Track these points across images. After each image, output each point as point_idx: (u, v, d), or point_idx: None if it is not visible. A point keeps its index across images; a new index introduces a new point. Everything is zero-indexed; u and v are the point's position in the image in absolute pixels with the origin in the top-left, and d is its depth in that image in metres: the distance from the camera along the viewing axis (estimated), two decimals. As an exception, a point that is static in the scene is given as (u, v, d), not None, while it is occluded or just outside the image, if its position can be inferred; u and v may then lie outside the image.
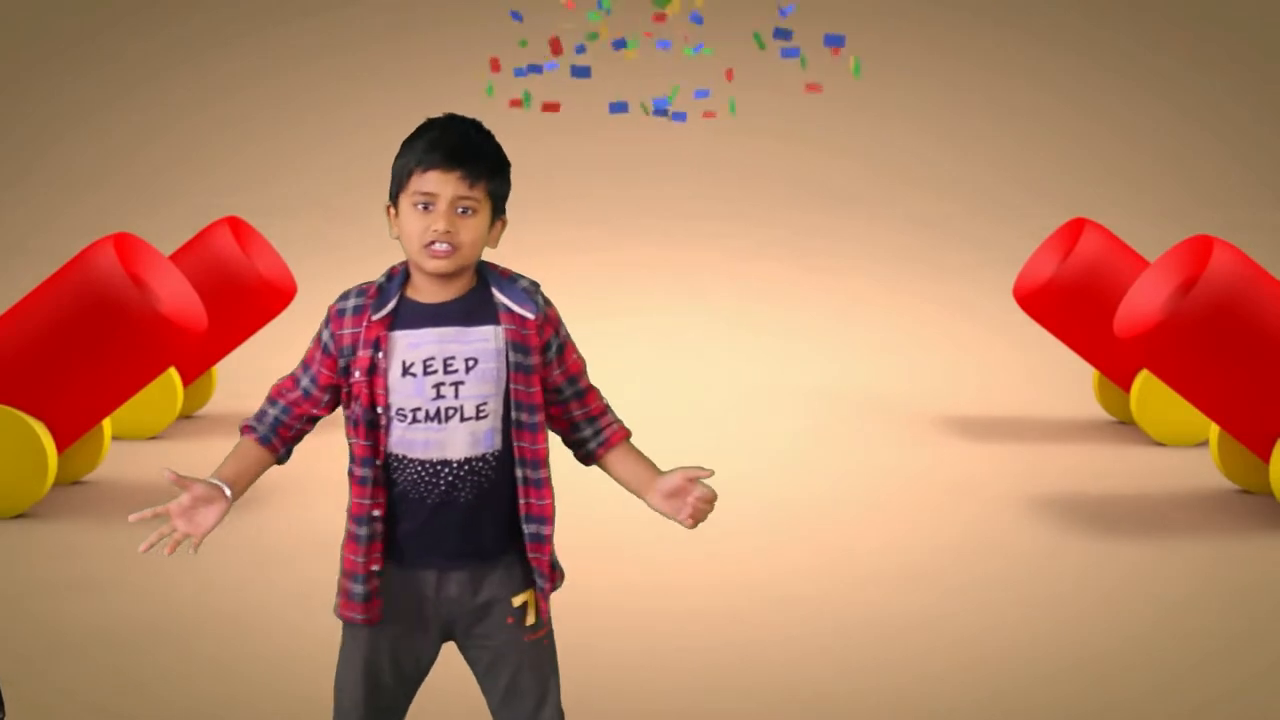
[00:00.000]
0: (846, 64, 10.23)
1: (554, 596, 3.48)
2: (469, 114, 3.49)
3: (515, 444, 3.38)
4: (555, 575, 3.48)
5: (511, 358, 3.36)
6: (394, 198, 3.39)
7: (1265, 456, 7.06)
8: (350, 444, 3.39)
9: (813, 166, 17.58)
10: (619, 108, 10.87)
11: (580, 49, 10.25)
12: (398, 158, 3.38)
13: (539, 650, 3.46)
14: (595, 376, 3.59)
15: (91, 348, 6.92)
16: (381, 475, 3.37)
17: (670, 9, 9.65)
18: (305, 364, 3.44)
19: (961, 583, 6.20)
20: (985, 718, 4.91)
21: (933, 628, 5.67)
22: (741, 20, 12.39)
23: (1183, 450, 8.27)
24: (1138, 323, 6.94)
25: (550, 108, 10.22)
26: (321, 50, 18.80)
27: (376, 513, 3.37)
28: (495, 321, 3.38)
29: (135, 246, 7.25)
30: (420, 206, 3.33)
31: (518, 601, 3.42)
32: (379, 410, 3.34)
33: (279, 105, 18.45)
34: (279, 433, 3.45)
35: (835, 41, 6.87)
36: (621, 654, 5.37)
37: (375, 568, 3.37)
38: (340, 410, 3.46)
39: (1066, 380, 9.78)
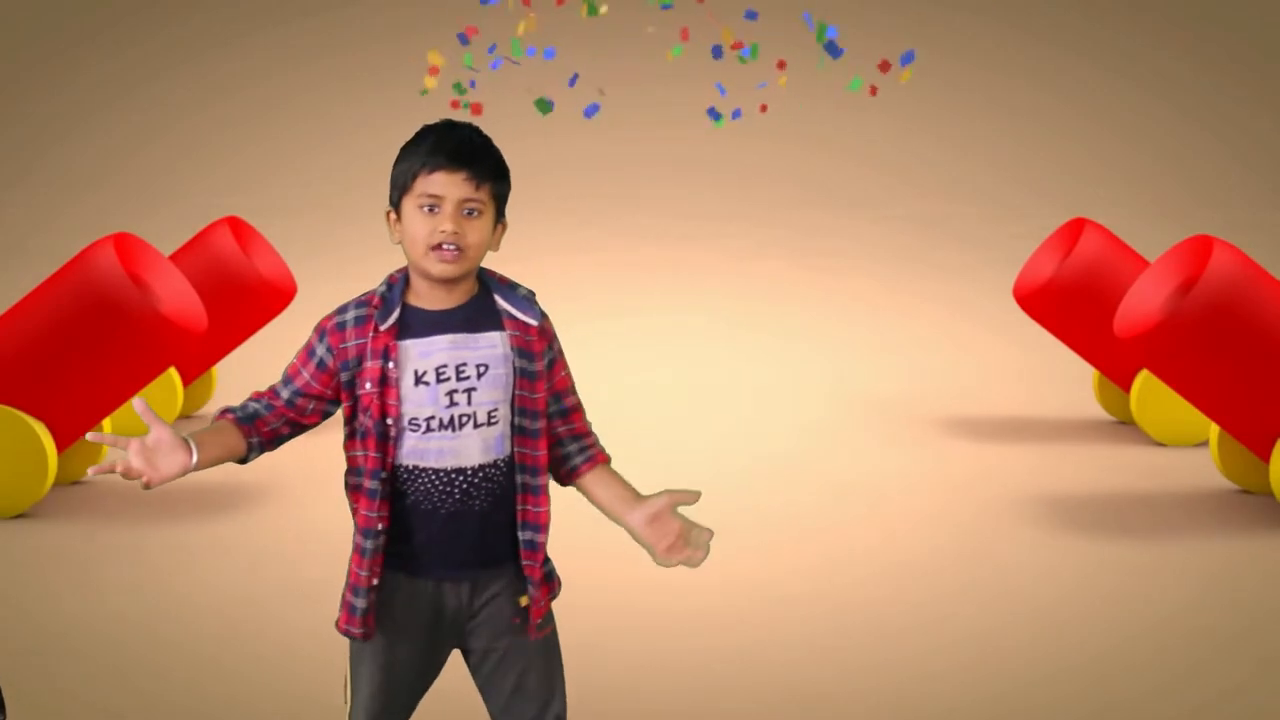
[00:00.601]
0: (893, 76, 10.26)
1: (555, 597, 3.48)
2: (466, 114, 3.49)
3: (517, 450, 3.37)
4: (552, 585, 3.46)
5: (517, 364, 3.36)
6: (396, 203, 3.37)
7: (1265, 456, 7.06)
8: (355, 457, 3.37)
9: (813, 167, 17.59)
10: (592, 110, 10.84)
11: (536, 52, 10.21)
12: (398, 162, 3.36)
13: (545, 649, 3.46)
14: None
15: (91, 348, 6.92)
16: (389, 488, 3.36)
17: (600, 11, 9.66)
18: (288, 378, 3.40)
19: (961, 583, 6.21)
20: (985, 718, 4.91)
21: (933, 628, 5.68)
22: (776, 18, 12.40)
23: (1183, 450, 8.27)
24: (1138, 323, 6.94)
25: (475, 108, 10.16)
26: (321, 50, 18.80)
27: (382, 526, 3.36)
28: (500, 328, 3.37)
29: (135, 246, 7.26)
30: (426, 209, 3.31)
31: (524, 601, 3.42)
32: (389, 421, 3.32)
33: (279, 105, 18.45)
34: (256, 425, 3.41)
35: (907, 59, 6.86)
36: (621, 654, 5.37)
37: (375, 581, 3.36)
38: (334, 418, 3.46)
39: (1066, 380, 9.78)
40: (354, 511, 3.40)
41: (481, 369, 3.34)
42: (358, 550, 3.38)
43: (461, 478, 3.34)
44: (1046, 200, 16.83)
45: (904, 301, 13.08)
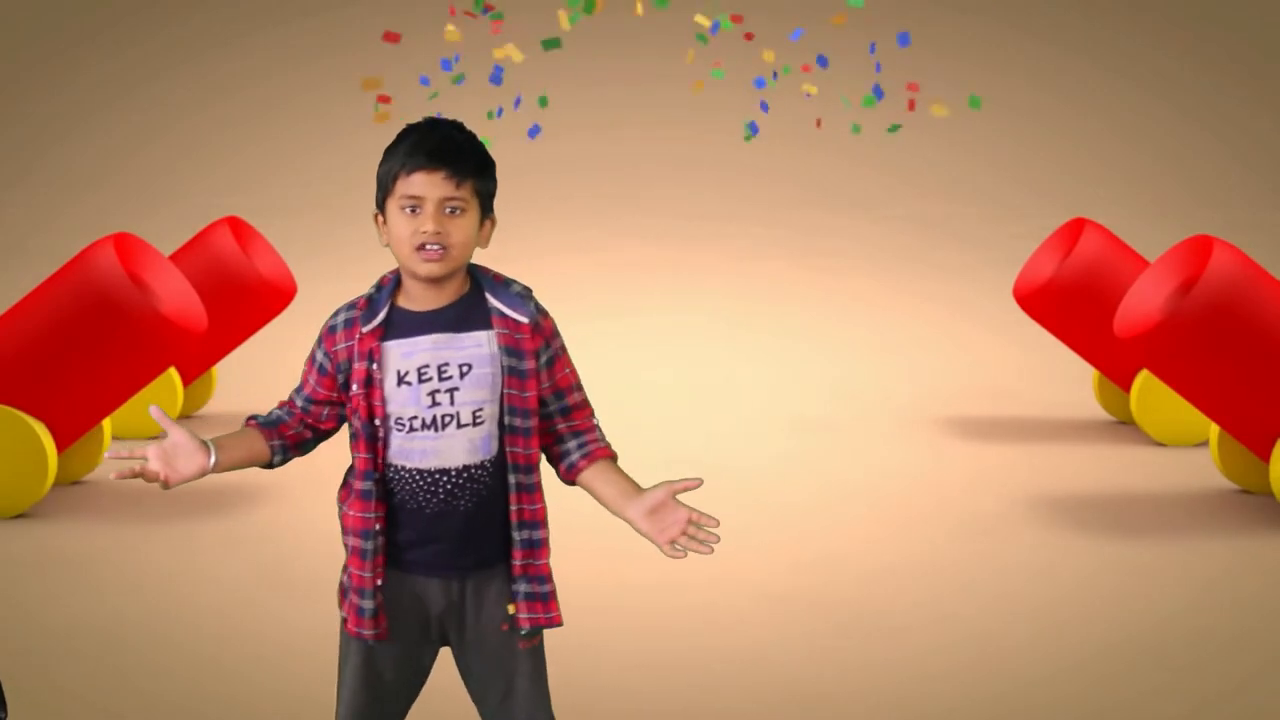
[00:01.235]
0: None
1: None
2: (469, 115, 3.50)
3: (508, 449, 3.35)
4: (551, 607, 3.42)
5: (505, 362, 3.33)
6: (381, 205, 3.37)
7: (1265, 456, 7.06)
8: (354, 459, 3.39)
9: (813, 166, 17.59)
10: (534, 131, 10.77)
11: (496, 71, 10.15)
12: (381, 164, 3.36)
13: (534, 658, 3.45)
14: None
15: (91, 348, 6.92)
16: (381, 489, 3.36)
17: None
18: (299, 386, 3.46)
19: (961, 583, 6.21)
20: (985, 718, 4.91)
21: (933, 628, 5.68)
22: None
23: (1183, 450, 8.27)
24: (1138, 323, 6.94)
25: (390, 37, 10.01)
26: (321, 50, 18.80)
27: (379, 526, 3.36)
28: (488, 326, 3.35)
29: (135, 246, 7.25)
30: (408, 210, 3.31)
31: (513, 609, 3.41)
32: (376, 422, 3.33)
33: (279, 105, 18.45)
34: (279, 429, 3.46)
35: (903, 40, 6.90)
36: (621, 653, 5.37)
37: (380, 582, 3.36)
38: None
39: (1066, 380, 9.78)
40: (344, 514, 3.40)
41: (465, 368, 3.33)
42: (356, 553, 3.37)
43: (446, 478, 3.33)
44: (1046, 200, 16.83)
45: (904, 301, 13.08)
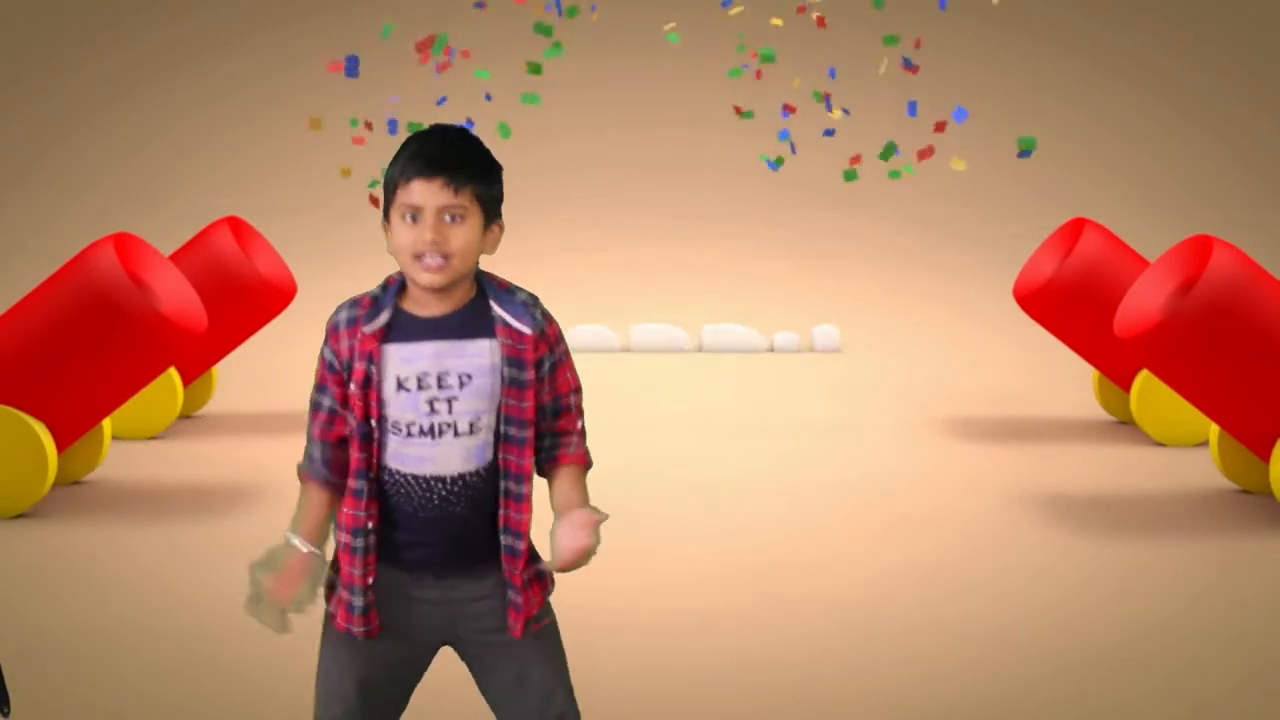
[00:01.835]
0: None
1: (553, 595, 3.48)
2: (472, 115, 3.49)
3: (501, 456, 3.33)
4: (544, 584, 3.43)
5: (506, 373, 3.31)
6: (386, 214, 3.37)
7: (1265, 456, 7.06)
8: (350, 457, 3.38)
9: (813, 166, 17.58)
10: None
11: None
12: (386, 172, 3.37)
13: (544, 644, 3.45)
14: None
15: (91, 348, 6.92)
16: (375, 488, 3.35)
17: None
18: (320, 385, 3.37)
19: (961, 583, 6.21)
20: (985, 718, 4.91)
21: (932, 628, 5.67)
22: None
23: (1183, 450, 8.26)
24: (1138, 323, 6.94)
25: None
26: (321, 50, 18.80)
27: (371, 525, 3.34)
28: (491, 335, 3.32)
29: (135, 246, 7.25)
30: (408, 219, 3.28)
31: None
32: (372, 423, 3.31)
33: (279, 105, 18.44)
34: (331, 467, 3.39)
35: (959, 116, 6.80)
36: (621, 653, 5.36)
37: (371, 580, 3.35)
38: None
39: (1066, 380, 9.78)
40: (339, 511, 3.38)
41: (465, 378, 3.30)
42: (347, 549, 3.36)
43: (441, 485, 3.32)
44: (1046, 200, 16.82)
45: (904, 301, 13.07)
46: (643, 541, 6.71)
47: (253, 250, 8.69)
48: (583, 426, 3.47)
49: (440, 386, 3.31)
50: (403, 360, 3.30)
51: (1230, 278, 6.73)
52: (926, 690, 5.09)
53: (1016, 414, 9.22)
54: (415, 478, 3.32)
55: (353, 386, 3.32)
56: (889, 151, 9.94)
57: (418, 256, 3.28)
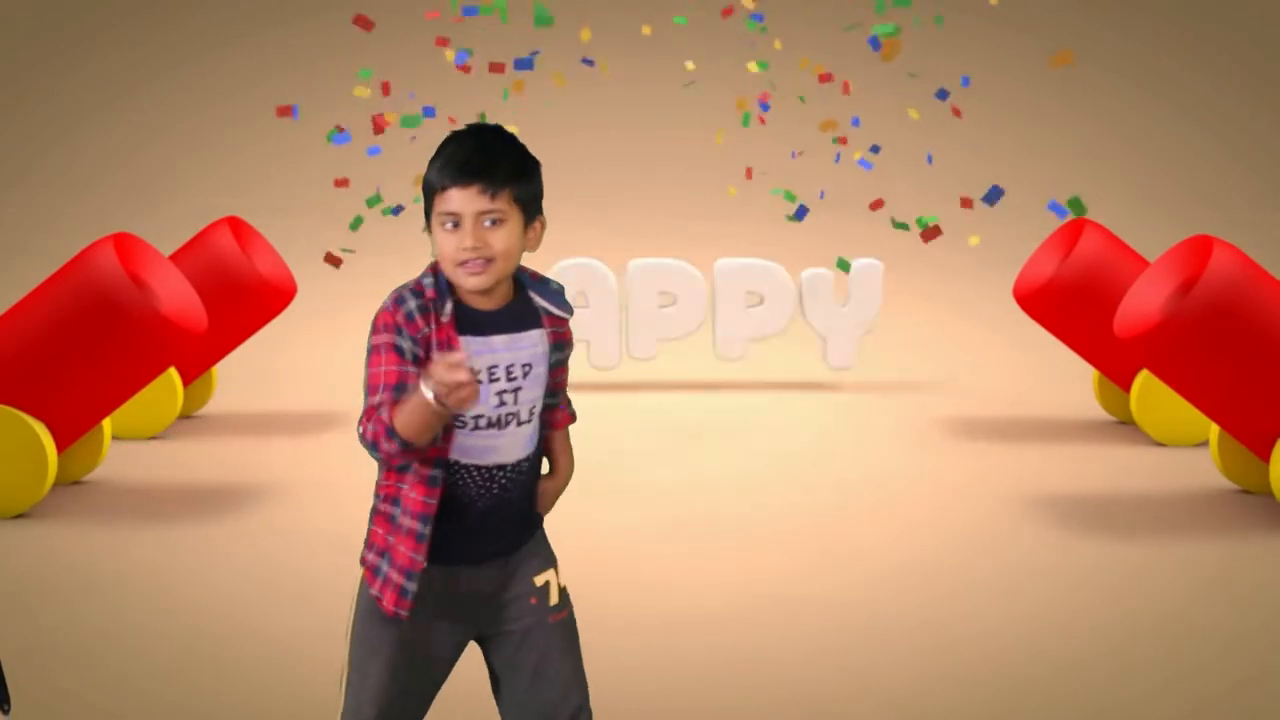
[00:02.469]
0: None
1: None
2: (473, 114, 3.50)
3: (542, 427, 3.49)
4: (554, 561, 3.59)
5: (552, 358, 3.45)
6: (427, 219, 3.39)
7: (1265, 456, 7.06)
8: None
9: (813, 167, 17.57)
10: (342, 139, 10.31)
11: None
12: (425, 176, 3.39)
13: (565, 632, 3.49)
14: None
15: (91, 348, 6.92)
16: (447, 477, 3.36)
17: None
18: (389, 385, 3.26)
19: (961, 583, 6.21)
20: (985, 718, 4.91)
21: (933, 628, 5.67)
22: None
23: (1183, 450, 8.26)
24: (1138, 323, 6.94)
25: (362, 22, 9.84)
26: (321, 50, 18.80)
27: (434, 513, 3.36)
28: (539, 325, 3.42)
29: (135, 246, 7.26)
30: (448, 226, 3.32)
31: (540, 581, 3.45)
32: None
33: (279, 105, 18.44)
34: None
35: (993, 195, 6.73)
36: (620, 653, 5.36)
37: (425, 565, 3.36)
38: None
39: (1066, 380, 9.78)
40: (400, 495, 3.35)
41: (526, 369, 3.39)
42: (411, 535, 3.34)
43: (502, 473, 3.39)
44: (1047, 200, 16.81)
45: (904, 301, 13.07)
46: (642, 542, 6.72)
47: (253, 250, 8.68)
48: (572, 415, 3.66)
49: (508, 378, 3.37)
50: (475, 353, 3.33)
51: (1230, 278, 6.73)
52: (926, 690, 5.09)
53: (1016, 414, 9.21)
54: (479, 468, 3.37)
55: None
56: (921, 222, 10.09)
57: (461, 263, 3.30)
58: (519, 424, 3.38)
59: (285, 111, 7.79)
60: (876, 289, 10.03)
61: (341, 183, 9.35)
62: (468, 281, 3.32)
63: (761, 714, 4.93)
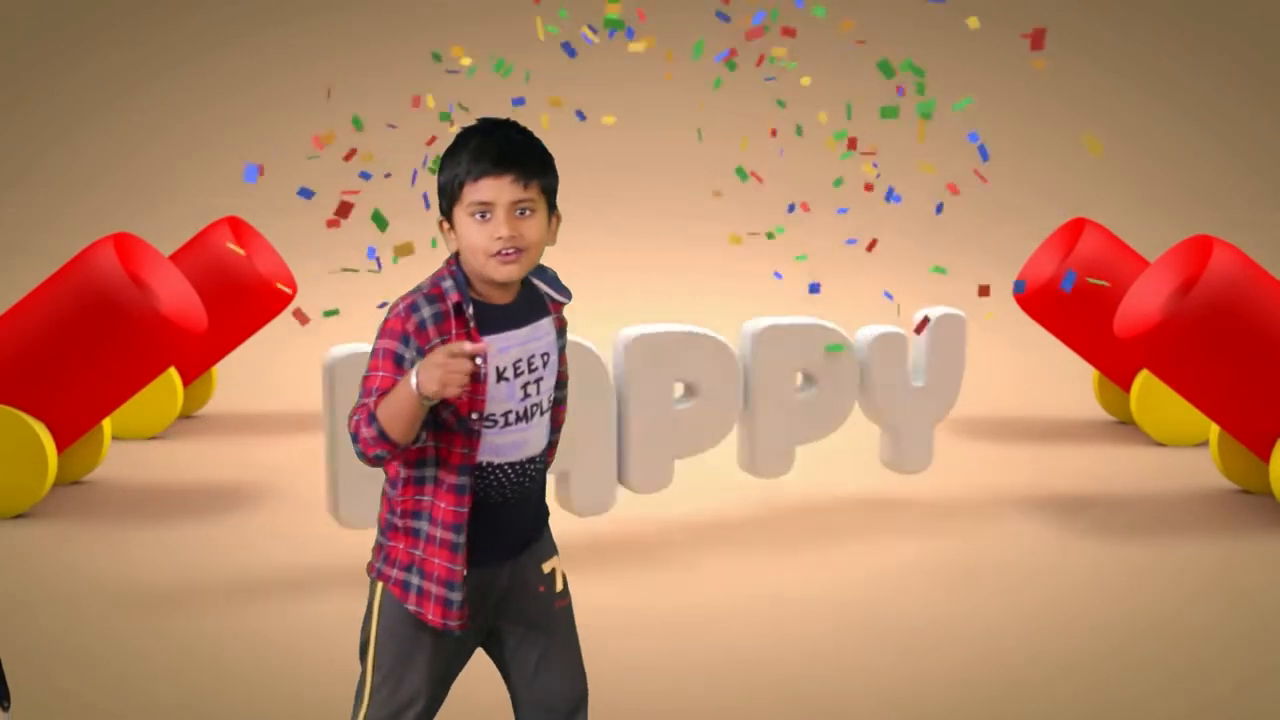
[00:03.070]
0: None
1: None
2: (474, 116, 3.50)
3: (553, 418, 3.52)
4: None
5: (559, 343, 3.49)
6: (447, 212, 3.36)
7: (1265, 456, 7.06)
8: (438, 449, 3.33)
9: (813, 167, 17.57)
10: (250, 173, 10.33)
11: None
12: (442, 171, 3.36)
13: (567, 620, 3.51)
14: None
15: (91, 348, 6.92)
16: (475, 483, 3.36)
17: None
18: (381, 391, 3.24)
19: (961, 583, 6.21)
20: (985, 718, 4.91)
21: (932, 628, 5.68)
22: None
23: (1183, 450, 8.26)
24: (1138, 323, 6.95)
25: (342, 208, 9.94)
26: (322, 50, 18.80)
27: (467, 520, 3.35)
28: (548, 312, 3.46)
29: (135, 246, 7.26)
30: (478, 216, 3.31)
31: (547, 568, 3.47)
32: (474, 416, 3.31)
33: (279, 105, 18.44)
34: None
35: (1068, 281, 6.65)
36: (620, 653, 5.37)
37: (466, 572, 3.36)
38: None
39: (1066, 380, 9.78)
40: (423, 509, 3.34)
41: (545, 358, 3.42)
42: (446, 546, 3.32)
43: (532, 465, 3.43)
44: (1046, 200, 16.82)
45: (904, 301, 13.07)
46: (641, 542, 6.71)
47: (253, 250, 8.68)
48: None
49: (530, 370, 3.39)
50: (499, 351, 3.35)
51: (1230, 278, 6.74)
52: (926, 690, 5.09)
53: (1016, 414, 9.21)
54: (511, 465, 3.39)
55: None
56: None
57: (495, 253, 3.30)
58: (541, 414, 3.41)
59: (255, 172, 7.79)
60: (959, 353, 7.27)
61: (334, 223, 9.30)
62: (500, 272, 3.31)
63: (761, 714, 4.93)
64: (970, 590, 6.11)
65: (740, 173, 7.89)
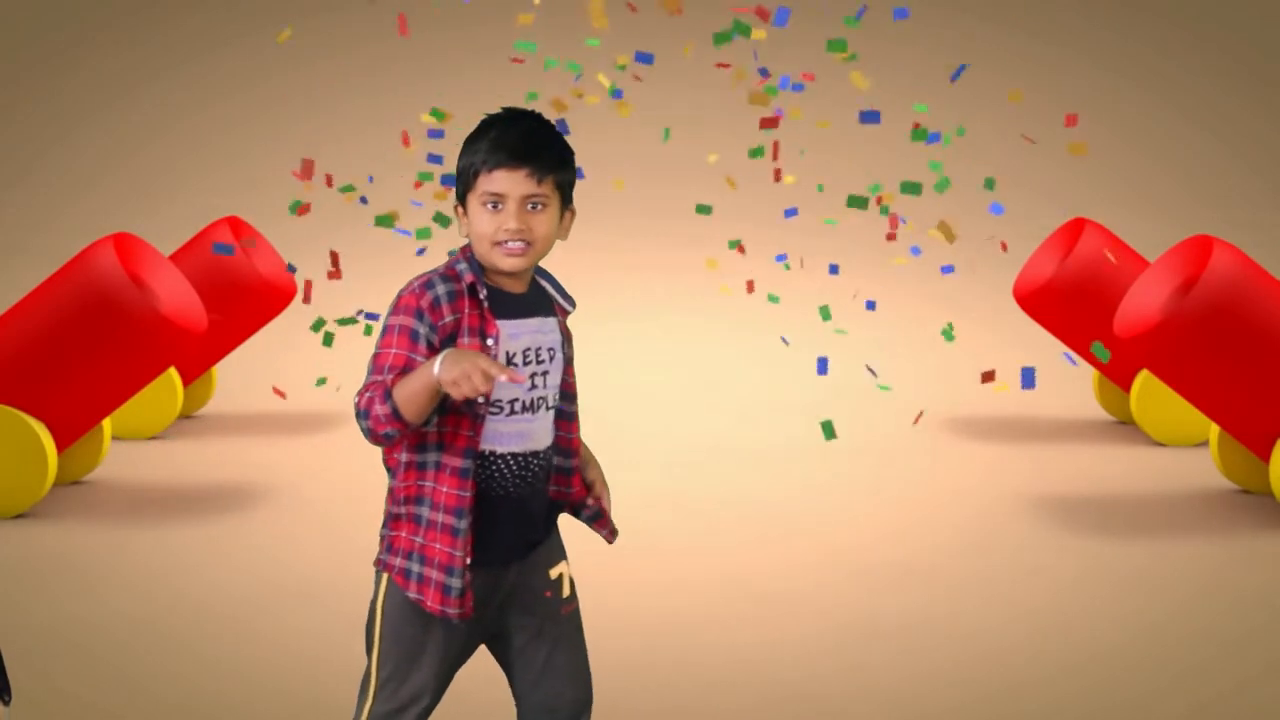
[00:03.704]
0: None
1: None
2: (474, 114, 3.50)
3: (556, 434, 3.45)
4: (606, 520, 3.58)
5: (565, 350, 3.45)
6: (461, 198, 3.38)
7: (1265, 456, 7.06)
8: (442, 433, 3.30)
9: (813, 167, 17.58)
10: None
11: None
12: (461, 157, 3.37)
13: (574, 627, 3.50)
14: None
15: (91, 348, 6.92)
16: (479, 468, 3.34)
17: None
18: (395, 368, 3.22)
19: (961, 582, 6.21)
20: (985, 718, 4.91)
21: (932, 627, 5.67)
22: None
23: (1183, 450, 8.27)
24: (1138, 323, 6.95)
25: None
26: (322, 50, 18.81)
27: (471, 505, 3.31)
28: (554, 313, 3.45)
29: (135, 246, 7.26)
30: (490, 206, 3.32)
31: (554, 573, 3.46)
32: (480, 400, 3.29)
33: (279, 105, 18.45)
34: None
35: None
36: (620, 653, 5.37)
37: (469, 560, 3.33)
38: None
39: (1066, 380, 9.78)
40: (425, 493, 3.32)
41: (551, 352, 3.40)
42: (447, 530, 3.29)
43: (536, 460, 3.39)
44: (1046, 200, 16.83)
45: (904, 301, 13.08)
46: (641, 542, 6.71)
47: (253, 250, 8.69)
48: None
49: (538, 360, 3.37)
50: (510, 336, 3.33)
51: (1230, 278, 6.74)
52: (925, 690, 5.09)
53: (1016, 414, 9.22)
54: (514, 456, 3.36)
55: None
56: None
57: (499, 243, 3.30)
58: (546, 409, 3.38)
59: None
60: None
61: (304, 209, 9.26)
62: (504, 262, 3.31)
63: (761, 714, 4.93)
64: (969, 590, 6.11)
65: (758, 152, 7.97)
